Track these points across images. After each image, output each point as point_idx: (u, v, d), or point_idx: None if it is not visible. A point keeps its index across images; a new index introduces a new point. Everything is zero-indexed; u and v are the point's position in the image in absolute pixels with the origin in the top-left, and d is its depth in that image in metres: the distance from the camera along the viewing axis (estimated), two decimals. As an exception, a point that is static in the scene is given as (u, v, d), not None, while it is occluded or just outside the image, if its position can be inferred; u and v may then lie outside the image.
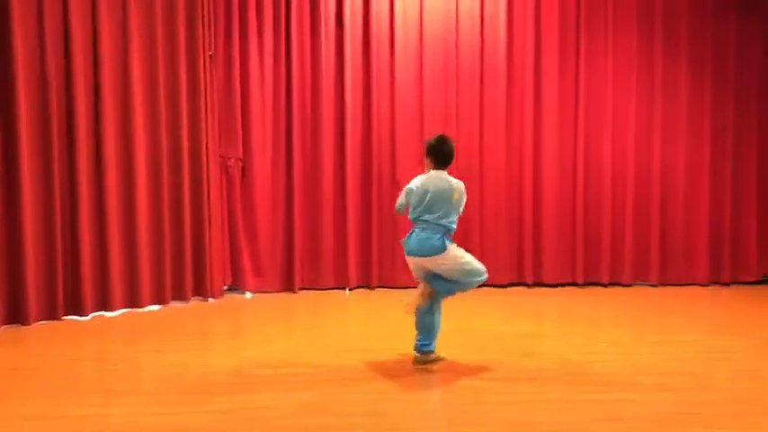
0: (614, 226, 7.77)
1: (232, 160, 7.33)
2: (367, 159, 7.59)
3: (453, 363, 4.90)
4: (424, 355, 4.74)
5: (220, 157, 7.28)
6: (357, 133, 7.57)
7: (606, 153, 7.73)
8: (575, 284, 7.76)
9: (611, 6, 7.67)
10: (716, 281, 7.86)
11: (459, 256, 4.59)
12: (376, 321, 6.27)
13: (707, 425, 3.81)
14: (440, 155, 4.65)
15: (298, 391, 4.31)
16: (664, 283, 7.81)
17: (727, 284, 7.82)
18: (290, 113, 7.43)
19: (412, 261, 4.70)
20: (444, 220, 4.57)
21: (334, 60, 7.50)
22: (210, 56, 7.06)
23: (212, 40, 7.09)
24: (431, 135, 7.71)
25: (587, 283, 7.70)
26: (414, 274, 4.80)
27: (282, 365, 4.85)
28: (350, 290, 7.51)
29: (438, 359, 4.76)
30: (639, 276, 7.85)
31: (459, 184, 4.66)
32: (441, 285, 4.68)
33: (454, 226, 4.61)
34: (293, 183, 7.44)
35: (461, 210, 4.70)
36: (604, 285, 7.75)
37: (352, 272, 7.55)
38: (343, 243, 7.55)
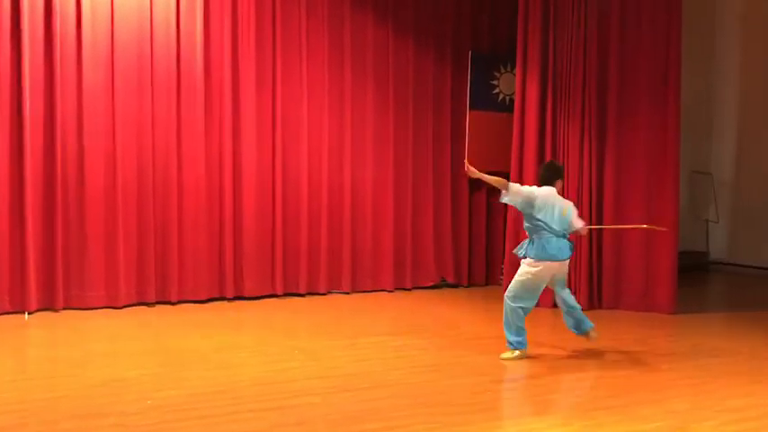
0: (310, 238, 8.12)
1: None
2: (50, 169, 6.93)
3: (148, 381, 4.74)
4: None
5: None
6: (38, 140, 6.88)
7: (303, 168, 8.05)
8: (275, 296, 7.94)
9: (305, 28, 8.02)
10: (400, 287, 8.62)
11: (520, 272, 5.49)
12: (60, 347, 5.78)
13: (384, 418, 4.18)
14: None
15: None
16: (355, 290, 8.36)
17: (410, 289, 8.63)
18: (-46, 116, 6.52)
19: None
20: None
21: (9, 59, 6.75)
22: None
23: None
24: (124, 142, 7.39)
25: (286, 294, 7.94)
26: None
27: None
28: (29, 314, 6.78)
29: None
30: (333, 285, 8.30)
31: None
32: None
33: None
34: (-42, 195, 6.53)
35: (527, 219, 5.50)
36: (302, 295, 8.05)
37: (33, 294, 6.81)
38: (20, 262, 6.78)
